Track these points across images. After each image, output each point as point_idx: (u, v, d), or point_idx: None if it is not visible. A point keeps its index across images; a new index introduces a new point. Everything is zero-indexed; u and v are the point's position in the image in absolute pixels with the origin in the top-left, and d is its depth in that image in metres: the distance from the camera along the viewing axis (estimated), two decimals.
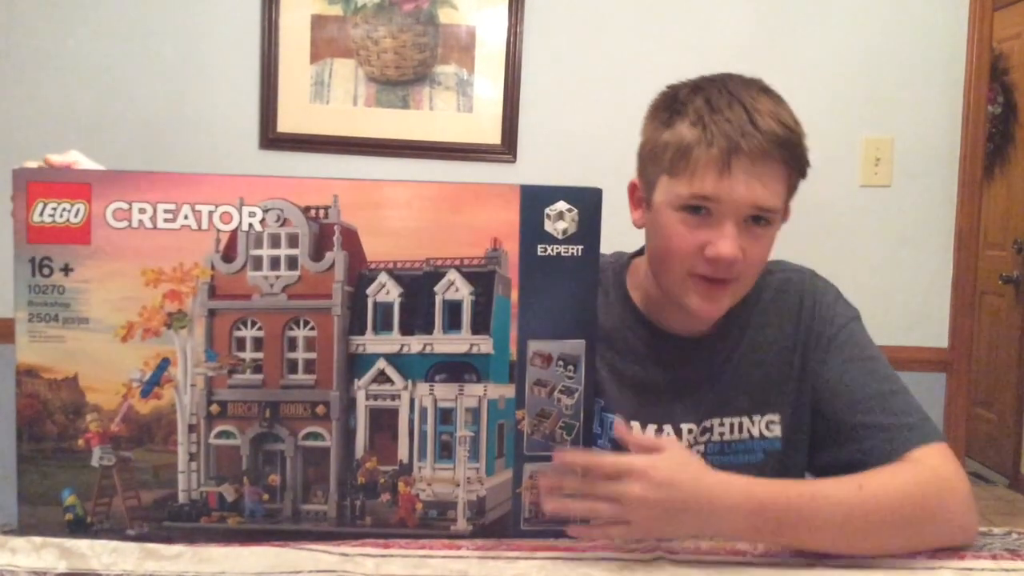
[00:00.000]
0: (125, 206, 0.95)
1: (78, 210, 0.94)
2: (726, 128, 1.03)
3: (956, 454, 1.06)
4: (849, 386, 1.12)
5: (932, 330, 2.57)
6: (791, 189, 1.10)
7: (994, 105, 4.22)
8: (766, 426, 1.15)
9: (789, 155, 1.06)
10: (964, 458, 2.97)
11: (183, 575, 0.88)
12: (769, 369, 1.16)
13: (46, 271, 0.94)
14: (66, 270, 0.94)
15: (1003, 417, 4.32)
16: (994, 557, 0.99)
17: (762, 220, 1.06)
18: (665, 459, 0.93)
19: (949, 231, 2.57)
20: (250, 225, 0.96)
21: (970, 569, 0.95)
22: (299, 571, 0.89)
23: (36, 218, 0.94)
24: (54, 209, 0.94)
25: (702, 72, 1.12)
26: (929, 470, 1.02)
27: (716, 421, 1.15)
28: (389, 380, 0.98)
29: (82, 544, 0.93)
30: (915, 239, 2.56)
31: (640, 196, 1.14)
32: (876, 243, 2.56)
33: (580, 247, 0.98)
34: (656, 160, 1.09)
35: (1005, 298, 4.30)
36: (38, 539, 0.93)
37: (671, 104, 1.10)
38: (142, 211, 0.95)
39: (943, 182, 2.56)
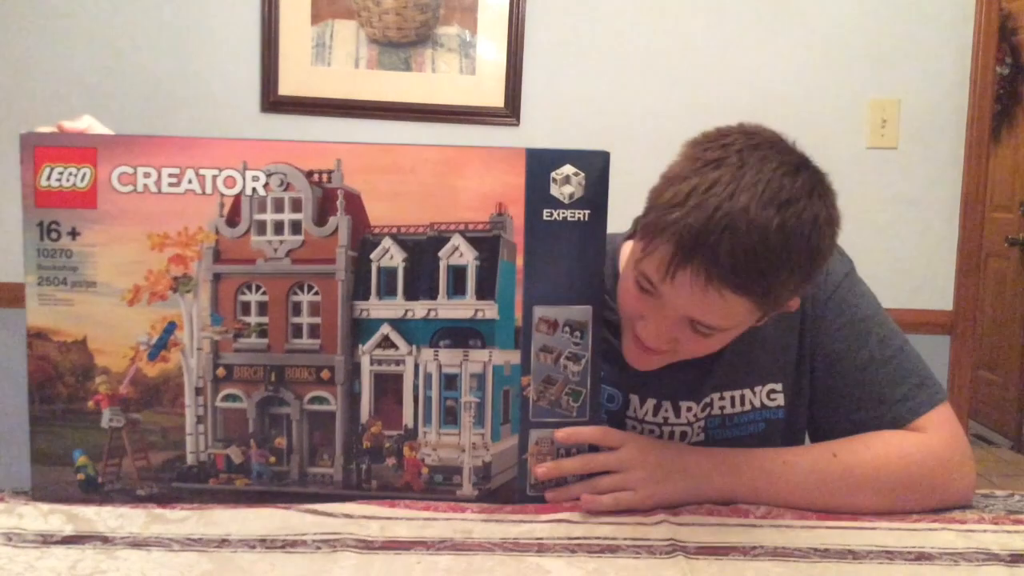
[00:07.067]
0: (130, 170, 0.95)
1: (84, 174, 0.94)
2: (695, 232, 0.87)
3: (960, 417, 1.07)
4: (841, 354, 1.10)
5: (937, 293, 2.57)
6: (763, 313, 0.96)
7: (1002, 66, 4.17)
8: (768, 395, 1.13)
9: (754, 292, 0.90)
10: (967, 420, 2.98)
11: (189, 537, 0.89)
12: (768, 337, 1.12)
13: (54, 235, 0.95)
14: (73, 234, 0.95)
15: (1007, 379, 4.32)
16: (995, 520, 0.99)
17: (709, 329, 0.95)
18: (643, 435, 1.07)
19: (955, 193, 2.56)
20: (254, 189, 0.96)
21: (972, 531, 0.96)
22: (304, 533, 0.90)
23: (43, 182, 0.94)
24: (60, 173, 0.94)
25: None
26: (917, 439, 1.03)
27: (716, 396, 1.12)
28: (393, 345, 0.98)
29: (89, 510, 0.94)
30: (921, 201, 2.55)
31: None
32: (882, 205, 2.54)
33: (587, 212, 0.97)
34: (647, 208, 0.96)
35: (1011, 261, 4.29)
36: (45, 505, 0.94)
37: (705, 155, 0.92)
38: (147, 175, 0.95)
39: (950, 144, 2.54)
